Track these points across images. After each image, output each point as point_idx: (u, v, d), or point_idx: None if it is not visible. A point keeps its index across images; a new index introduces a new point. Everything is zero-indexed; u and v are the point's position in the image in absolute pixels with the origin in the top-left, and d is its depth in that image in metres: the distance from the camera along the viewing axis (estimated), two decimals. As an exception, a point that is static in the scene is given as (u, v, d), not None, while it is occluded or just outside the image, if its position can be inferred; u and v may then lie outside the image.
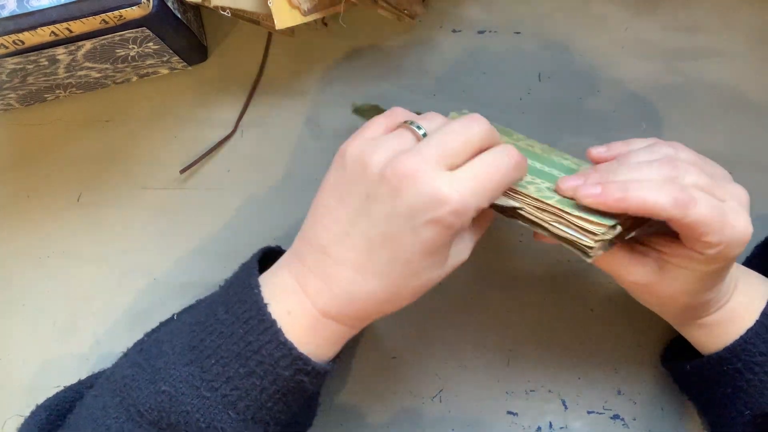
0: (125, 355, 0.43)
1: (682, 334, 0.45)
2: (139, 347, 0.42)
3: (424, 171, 0.35)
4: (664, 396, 0.50)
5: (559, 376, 0.50)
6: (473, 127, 0.37)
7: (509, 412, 0.50)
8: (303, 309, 0.39)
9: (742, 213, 0.37)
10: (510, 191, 0.40)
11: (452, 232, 0.36)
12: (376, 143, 0.38)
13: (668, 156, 0.39)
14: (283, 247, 0.48)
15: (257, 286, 0.39)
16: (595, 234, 0.38)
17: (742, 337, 0.41)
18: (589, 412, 0.50)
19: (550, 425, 0.50)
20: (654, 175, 0.37)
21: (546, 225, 0.39)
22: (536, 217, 0.39)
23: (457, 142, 0.37)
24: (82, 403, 0.42)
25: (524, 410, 0.50)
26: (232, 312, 0.39)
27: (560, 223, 0.39)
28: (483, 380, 0.51)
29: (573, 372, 0.50)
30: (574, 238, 0.38)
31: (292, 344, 0.38)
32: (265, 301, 0.39)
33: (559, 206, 0.39)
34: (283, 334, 0.38)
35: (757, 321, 0.41)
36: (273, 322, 0.38)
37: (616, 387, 0.50)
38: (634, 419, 0.50)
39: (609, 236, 0.38)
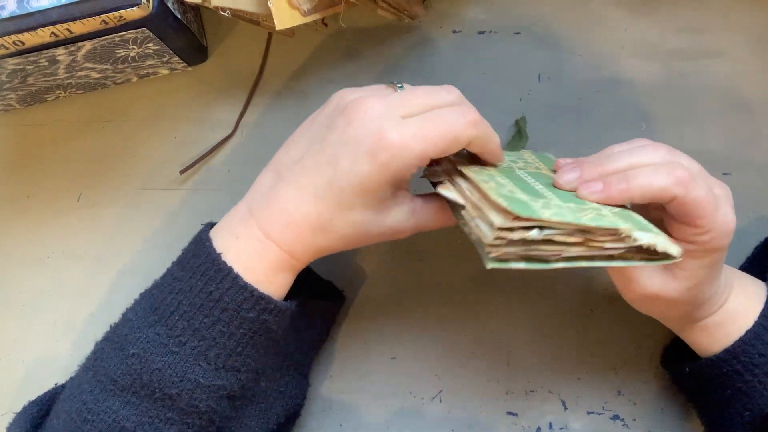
0: (101, 339, 0.44)
1: (682, 338, 0.45)
2: (111, 326, 0.43)
3: (378, 110, 0.37)
4: (664, 397, 0.50)
5: (559, 376, 0.50)
6: (441, 92, 0.39)
7: (509, 413, 0.50)
8: (249, 232, 0.40)
9: (728, 203, 0.38)
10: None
11: (388, 174, 0.37)
12: (357, 89, 0.41)
13: (652, 143, 0.39)
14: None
15: (208, 239, 0.41)
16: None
17: (740, 339, 0.41)
18: (589, 413, 0.50)
19: (550, 426, 0.50)
20: (651, 159, 0.38)
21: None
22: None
23: (419, 98, 0.38)
24: (65, 389, 0.43)
25: (524, 410, 0.50)
26: (188, 268, 0.40)
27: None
28: (483, 380, 0.51)
29: (573, 372, 0.50)
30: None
31: (252, 286, 0.39)
32: (219, 251, 0.40)
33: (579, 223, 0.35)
34: (242, 279, 0.39)
35: (755, 323, 0.41)
36: (229, 269, 0.39)
37: (616, 387, 0.50)
38: (634, 420, 0.50)
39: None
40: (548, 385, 0.50)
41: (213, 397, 0.40)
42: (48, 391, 0.44)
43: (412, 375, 0.51)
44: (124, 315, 0.42)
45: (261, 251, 0.40)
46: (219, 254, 0.40)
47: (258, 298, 0.39)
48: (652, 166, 0.37)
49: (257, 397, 0.44)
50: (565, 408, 0.50)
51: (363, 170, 0.37)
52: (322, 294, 0.50)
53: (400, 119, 0.37)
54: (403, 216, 0.40)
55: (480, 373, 0.51)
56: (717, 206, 0.37)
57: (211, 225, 0.44)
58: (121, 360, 0.40)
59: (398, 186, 0.39)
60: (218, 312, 0.39)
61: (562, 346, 0.50)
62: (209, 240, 0.41)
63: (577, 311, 0.51)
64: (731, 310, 0.42)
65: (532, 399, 0.50)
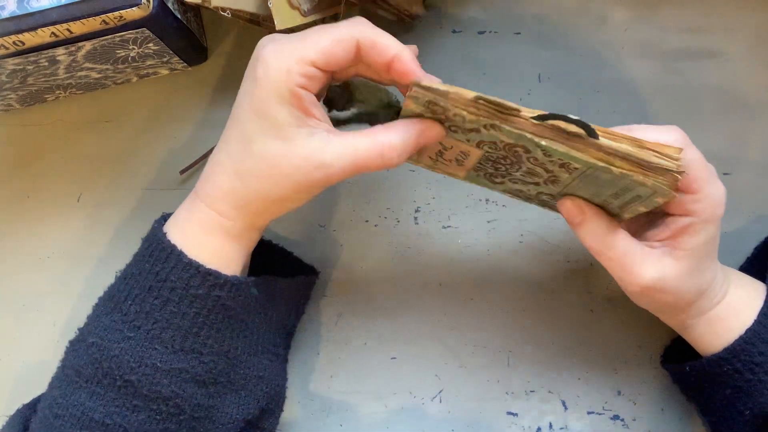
0: None
1: (684, 337, 0.45)
2: None
3: (276, 41, 0.38)
4: (664, 396, 0.50)
5: (559, 376, 0.50)
6: (341, 25, 0.38)
7: (509, 413, 0.50)
8: (187, 200, 0.41)
9: (716, 175, 0.40)
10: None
11: (270, 86, 0.36)
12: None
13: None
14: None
15: (159, 222, 0.41)
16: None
17: (741, 338, 0.41)
18: (589, 413, 0.50)
19: (550, 426, 0.50)
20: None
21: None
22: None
23: (318, 34, 0.38)
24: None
25: (524, 411, 0.50)
26: (138, 254, 0.41)
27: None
28: (483, 380, 0.51)
29: (573, 372, 0.50)
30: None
31: (197, 262, 0.39)
32: (165, 231, 0.40)
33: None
34: (186, 255, 0.39)
35: (755, 321, 0.41)
36: (173, 247, 0.39)
37: (616, 387, 0.50)
38: (634, 420, 0.50)
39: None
40: (548, 385, 0.50)
41: (175, 381, 0.39)
42: (40, 395, 0.44)
43: (412, 375, 0.51)
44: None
45: (191, 211, 0.40)
46: (164, 233, 0.40)
47: (205, 274, 0.39)
48: (654, 126, 0.39)
49: (234, 383, 0.43)
50: (565, 408, 0.50)
51: (247, 89, 0.37)
52: (292, 272, 0.48)
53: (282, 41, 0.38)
54: (316, 143, 0.37)
55: (480, 373, 0.51)
56: (710, 173, 0.39)
57: (168, 215, 0.44)
58: (83, 351, 0.39)
59: (300, 108, 0.37)
60: (167, 292, 0.39)
61: (562, 346, 0.50)
62: (159, 222, 0.41)
63: (577, 311, 0.51)
64: (732, 305, 0.42)
65: (532, 399, 0.50)
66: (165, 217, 0.43)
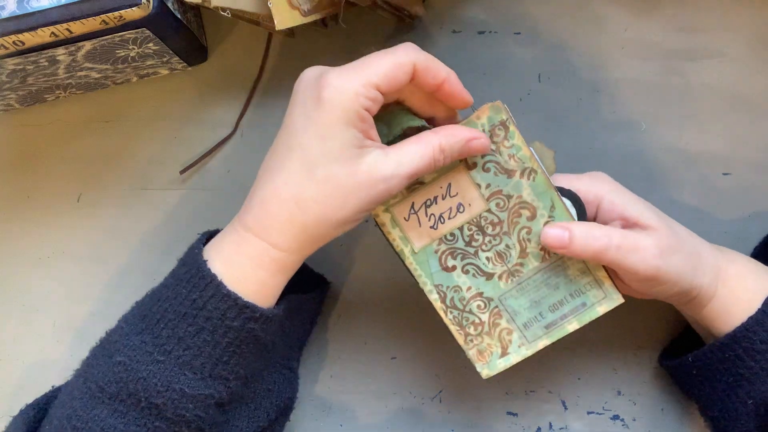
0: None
1: (695, 319, 0.44)
2: (105, 333, 0.43)
3: (320, 71, 0.39)
4: (664, 396, 0.50)
5: (559, 376, 0.50)
6: (398, 50, 0.39)
7: (509, 413, 0.50)
8: (232, 230, 0.40)
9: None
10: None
11: (336, 110, 0.37)
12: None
13: None
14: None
15: (198, 247, 0.40)
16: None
17: (743, 324, 0.41)
18: (588, 413, 0.50)
19: (550, 426, 0.50)
20: None
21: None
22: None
23: (379, 59, 0.38)
24: (60, 394, 0.42)
25: (524, 411, 0.50)
26: (176, 277, 0.40)
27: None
28: (483, 380, 0.51)
29: (573, 373, 0.50)
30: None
31: (236, 294, 0.39)
32: (205, 258, 0.39)
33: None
34: (225, 287, 0.39)
35: (758, 309, 0.41)
36: (213, 277, 0.39)
37: (616, 388, 0.50)
38: (634, 420, 0.50)
39: None
40: (548, 385, 0.50)
41: (200, 406, 0.39)
42: (45, 394, 0.44)
43: (412, 375, 0.51)
44: (118, 322, 0.42)
45: (239, 243, 0.40)
46: (204, 261, 0.39)
47: (242, 307, 0.39)
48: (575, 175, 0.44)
49: (245, 398, 0.43)
50: (565, 408, 0.50)
51: (312, 115, 0.37)
52: (305, 284, 0.48)
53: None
54: (375, 158, 0.38)
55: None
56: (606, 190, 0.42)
57: (209, 233, 0.43)
58: (108, 367, 0.39)
59: (362, 131, 0.38)
60: (202, 321, 0.39)
61: (561, 347, 0.50)
62: (199, 248, 0.41)
63: (577, 311, 0.51)
64: (737, 291, 0.42)
65: (532, 399, 0.50)
66: (202, 239, 0.42)
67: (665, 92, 0.52)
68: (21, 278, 0.54)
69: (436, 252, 0.42)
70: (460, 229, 0.42)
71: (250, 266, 0.40)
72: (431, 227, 0.42)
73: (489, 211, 0.42)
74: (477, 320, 0.43)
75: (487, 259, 0.42)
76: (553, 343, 0.43)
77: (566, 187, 0.42)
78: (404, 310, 0.52)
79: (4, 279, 0.54)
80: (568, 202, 0.42)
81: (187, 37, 0.49)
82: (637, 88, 0.52)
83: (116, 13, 0.42)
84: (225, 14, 0.47)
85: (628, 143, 0.51)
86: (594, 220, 0.43)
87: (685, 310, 0.45)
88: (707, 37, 0.52)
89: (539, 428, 0.50)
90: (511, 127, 0.41)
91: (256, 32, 0.53)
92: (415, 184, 0.42)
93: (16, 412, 0.43)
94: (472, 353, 0.43)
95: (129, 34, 0.45)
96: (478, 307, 0.43)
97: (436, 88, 0.39)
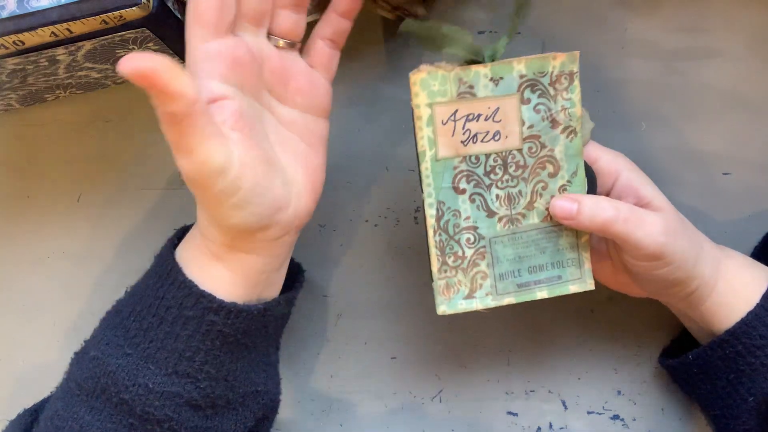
0: None
1: (694, 316, 0.44)
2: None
3: None
4: (664, 396, 0.50)
5: (559, 376, 0.50)
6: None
7: (509, 413, 0.50)
8: (192, 232, 0.40)
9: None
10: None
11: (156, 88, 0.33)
12: None
13: None
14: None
15: (170, 238, 0.40)
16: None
17: (742, 320, 0.41)
18: (589, 413, 0.50)
19: (550, 426, 0.50)
20: None
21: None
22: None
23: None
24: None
25: (524, 410, 0.50)
26: (148, 273, 0.40)
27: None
28: (483, 380, 0.51)
29: (573, 372, 0.50)
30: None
31: (192, 282, 0.38)
32: (176, 250, 0.39)
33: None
34: (183, 274, 0.38)
35: (757, 304, 0.41)
36: (174, 264, 0.38)
37: (616, 387, 0.50)
38: (634, 419, 0.50)
39: None
40: (548, 385, 0.50)
41: (168, 405, 0.38)
42: (42, 400, 0.44)
43: (412, 375, 0.51)
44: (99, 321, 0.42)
45: (192, 239, 0.39)
46: (172, 252, 0.39)
47: (198, 295, 0.37)
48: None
49: (232, 403, 0.41)
50: (565, 408, 0.50)
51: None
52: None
53: None
54: (218, 145, 0.35)
55: (480, 373, 0.51)
56: (618, 162, 0.43)
57: (183, 228, 0.43)
58: (84, 363, 0.39)
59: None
60: (163, 311, 0.38)
61: (562, 346, 0.50)
62: (170, 240, 0.41)
63: (577, 311, 0.51)
64: (735, 288, 0.42)
65: (532, 399, 0.50)
66: (179, 234, 0.42)
67: (665, 92, 0.52)
68: (21, 278, 0.54)
69: (454, 168, 0.41)
70: (487, 156, 0.41)
71: (197, 254, 0.39)
72: (462, 142, 0.41)
73: (520, 151, 0.41)
74: (460, 252, 0.41)
75: (497, 197, 0.41)
76: (520, 303, 0.42)
77: (592, 154, 0.43)
78: (404, 310, 0.52)
79: (4, 279, 0.54)
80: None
81: (187, 37, 0.49)
82: (637, 88, 0.52)
83: (116, 13, 0.42)
84: (225, 14, 0.47)
85: (628, 143, 0.51)
86: (608, 193, 0.43)
87: (683, 308, 0.45)
88: (707, 37, 0.52)
89: (539, 428, 0.50)
90: (576, 81, 0.41)
91: (256, 32, 0.53)
92: (467, 93, 0.40)
93: (15, 412, 0.43)
94: (440, 284, 0.41)
95: (129, 34, 0.45)
96: (467, 240, 0.42)
97: None
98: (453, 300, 0.42)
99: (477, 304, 0.42)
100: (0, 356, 0.53)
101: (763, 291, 0.42)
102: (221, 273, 0.39)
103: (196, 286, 0.38)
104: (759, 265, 0.44)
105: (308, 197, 0.40)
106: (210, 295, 0.38)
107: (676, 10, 0.52)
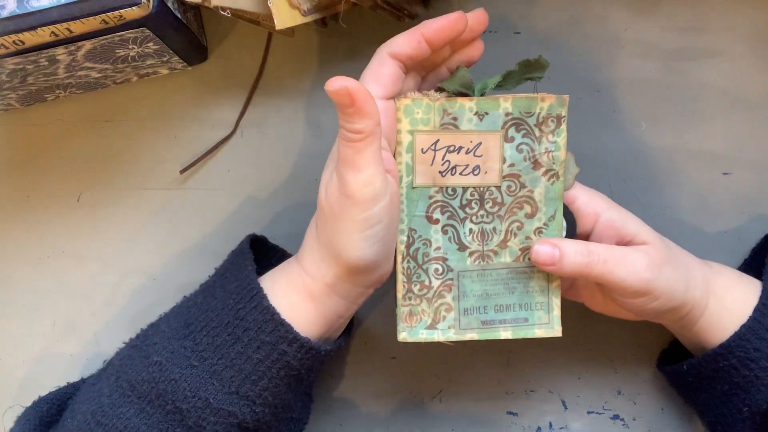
0: (125, 345, 0.44)
1: (688, 336, 0.45)
2: (138, 334, 0.43)
3: None
4: (664, 396, 0.50)
5: (559, 376, 0.50)
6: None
7: (509, 412, 0.50)
8: (288, 265, 0.41)
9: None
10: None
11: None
12: None
13: None
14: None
15: (251, 264, 0.41)
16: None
17: (735, 334, 0.41)
18: (589, 413, 0.50)
19: (550, 425, 0.50)
20: None
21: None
22: None
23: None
24: (82, 390, 0.43)
25: (524, 410, 0.50)
26: (227, 290, 0.40)
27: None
28: (483, 380, 0.51)
29: (573, 372, 0.50)
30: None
31: (275, 309, 0.39)
32: (257, 276, 0.40)
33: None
34: (267, 300, 0.39)
35: (750, 317, 0.41)
36: (259, 290, 0.39)
37: (616, 387, 0.50)
38: (634, 419, 0.50)
39: None
40: (548, 385, 0.50)
41: (222, 423, 0.39)
42: (61, 389, 0.45)
43: (412, 375, 0.51)
44: (156, 324, 0.42)
45: (287, 265, 0.41)
46: (255, 276, 0.40)
47: (278, 323, 0.39)
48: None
49: (271, 428, 0.42)
50: (565, 408, 0.50)
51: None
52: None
53: None
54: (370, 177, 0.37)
55: (480, 373, 0.51)
56: (601, 205, 0.42)
57: (252, 237, 0.44)
58: (143, 367, 0.40)
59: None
60: (240, 331, 0.39)
61: (562, 346, 0.50)
62: (252, 266, 0.41)
63: (577, 311, 0.50)
64: (726, 303, 0.42)
65: (532, 399, 0.50)
66: (251, 237, 0.44)
67: (665, 92, 0.52)
68: (21, 278, 0.54)
69: (430, 198, 0.41)
70: (465, 189, 0.41)
71: (287, 286, 0.40)
72: (440, 172, 0.41)
73: (499, 188, 0.41)
74: (427, 282, 0.42)
75: (470, 231, 0.42)
76: (485, 340, 0.43)
77: (569, 194, 0.42)
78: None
79: (4, 279, 0.54)
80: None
81: (187, 36, 0.49)
82: (637, 88, 0.52)
83: (116, 13, 0.42)
84: (225, 14, 0.47)
85: (628, 143, 0.51)
86: (588, 236, 0.43)
87: (677, 329, 0.45)
88: (707, 37, 0.52)
89: (539, 428, 0.50)
90: (563, 125, 0.41)
91: (256, 32, 0.53)
92: (450, 124, 0.41)
93: (16, 412, 0.43)
94: (403, 311, 0.42)
95: (129, 34, 0.45)
96: (435, 270, 0.42)
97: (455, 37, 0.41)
98: (415, 328, 0.42)
99: (438, 336, 0.42)
100: (0, 356, 0.53)
101: (754, 304, 0.42)
102: (307, 310, 0.40)
103: (278, 314, 0.39)
104: (747, 279, 0.44)
105: (392, 259, 0.41)
106: (289, 325, 0.39)
107: (676, 10, 0.52)
